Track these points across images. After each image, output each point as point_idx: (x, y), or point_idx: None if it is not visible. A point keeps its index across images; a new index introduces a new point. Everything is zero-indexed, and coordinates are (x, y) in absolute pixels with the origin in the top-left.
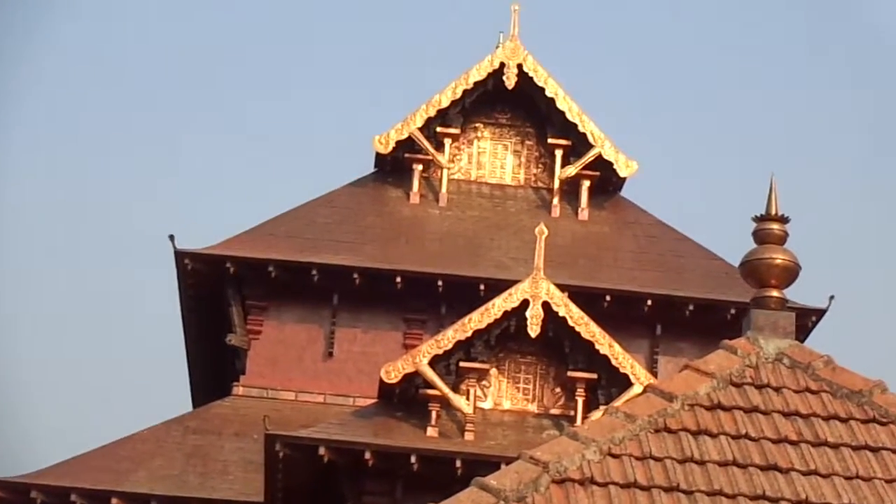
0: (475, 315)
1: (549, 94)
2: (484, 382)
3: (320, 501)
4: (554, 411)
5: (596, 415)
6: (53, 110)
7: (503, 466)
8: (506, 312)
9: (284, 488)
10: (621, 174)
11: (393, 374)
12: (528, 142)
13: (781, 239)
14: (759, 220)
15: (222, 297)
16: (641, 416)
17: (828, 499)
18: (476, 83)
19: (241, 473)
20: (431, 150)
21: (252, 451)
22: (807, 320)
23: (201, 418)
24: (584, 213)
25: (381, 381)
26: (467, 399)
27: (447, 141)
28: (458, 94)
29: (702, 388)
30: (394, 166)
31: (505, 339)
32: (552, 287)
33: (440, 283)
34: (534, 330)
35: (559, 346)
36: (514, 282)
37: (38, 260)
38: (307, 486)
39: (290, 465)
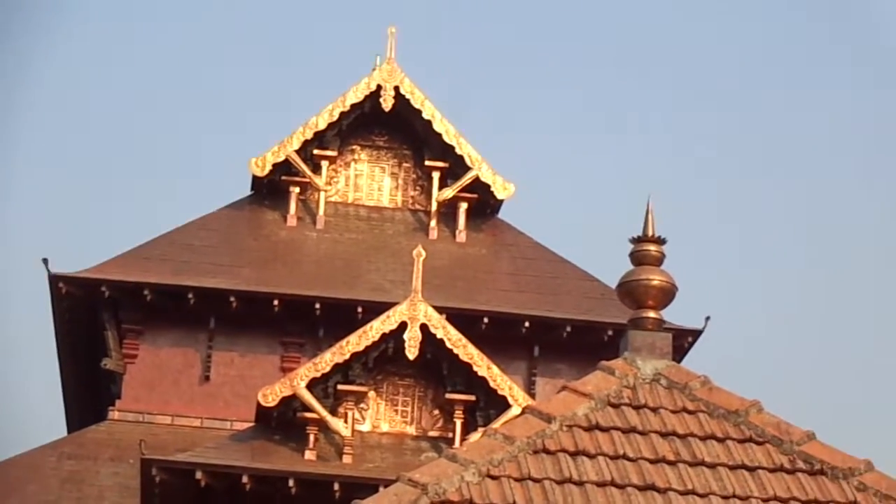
0: (353, 338)
1: (426, 116)
2: (362, 405)
3: None
4: (432, 433)
5: (474, 437)
6: None
7: (382, 489)
8: (384, 335)
9: None
10: (499, 196)
11: (270, 397)
12: (405, 164)
13: (658, 260)
14: (636, 241)
15: (97, 321)
16: (520, 437)
17: None
18: (353, 105)
19: (117, 499)
20: (308, 172)
21: (128, 476)
22: (683, 341)
23: (76, 443)
24: (461, 236)
25: (259, 405)
26: (345, 422)
27: (324, 163)
28: (335, 117)
29: (580, 409)
30: (270, 189)
31: (383, 361)
32: (430, 309)
33: (317, 305)
34: (412, 352)
35: (437, 369)
36: (392, 304)
37: None
38: None
39: (166, 490)
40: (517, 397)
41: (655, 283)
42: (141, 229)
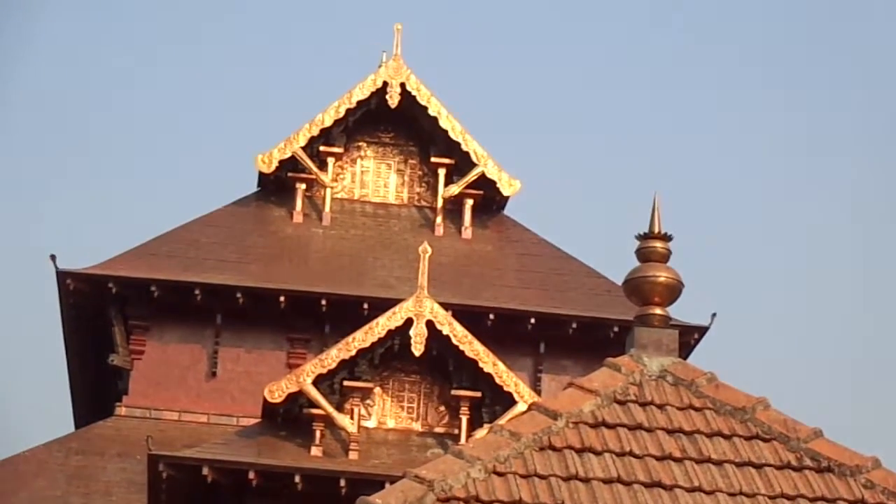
0: (359, 334)
1: (431, 112)
2: (368, 401)
3: None
4: (438, 430)
5: (480, 433)
6: None
7: (388, 485)
8: (390, 331)
9: None
10: (504, 193)
11: (277, 393)
12: (411, 161)
13: (664, 257)
14: (643, 238)
15: (105, 317)
16: (526, 434)
17: None
18: (359, 102)
19: (124, 494)
20: (315, 169)
21: (135, 472)
22: (689, 338)
23: (84, 439)
24: (467, 232)
25: (265, 401)
26: (351, 418)
27: (330, 160)
28: (342, 113)
29: (586, 405)
30: (277, 185)
31: (389, 357)
32: (436, 306)
33: (324, 302)
34: (417, 349)
35: (443, 365)
36: (398, 301)
37: None
38: None
39: (173, 486)
40: (523, 394)
41: (662, 279)
42: (148, 226)
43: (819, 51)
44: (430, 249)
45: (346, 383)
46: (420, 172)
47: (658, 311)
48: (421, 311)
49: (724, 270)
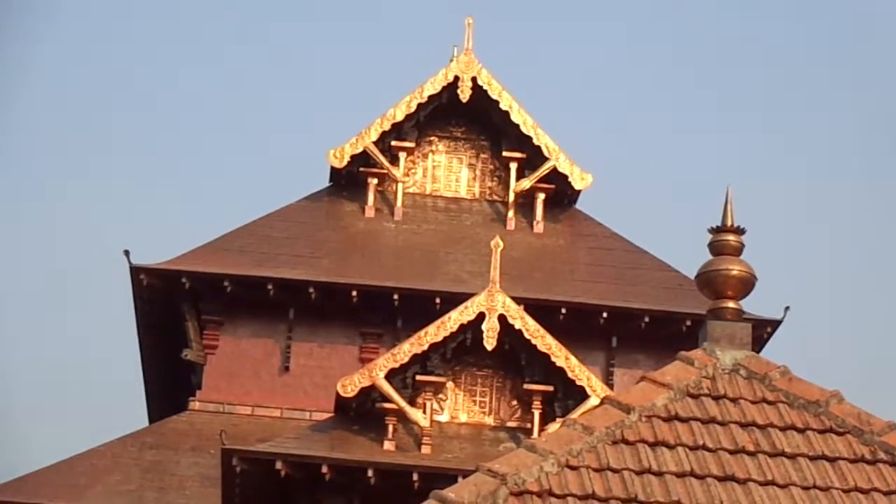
0: (431, 328)
1: (503, 107)
2: (440, 396)
3: None
4: (510, 424)
5: (553, 427)
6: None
7: (461, 479)
8: (462, 325)
9: (242, 503)
10: (576, 187)
11: (349, 387)
12: (482, 155)
13: (737, 250)
14: (715, 231)
15: (178, 312)
16: (599, 427)
17: None
18: (430, 97)
19: (198, 488)
20: (386, 163)
21: (209, 466)
22: (763, 331)
23: (158, 433)
24: (539, 226)
25: (338, 395)
26: (424, 412)
27: (402, 155)
28: (413, 108)
29: (659, 399)
30: (349, 180)
31: (461, 352)
32: (508, 300)
33: (396, 296)
34: (490, 343)
35: (515, 359)
36: (470, 295)
37: None
38: (264, 500)
39: (247, 480)
40: (595, 388)
41: (735, 272)
42: (221, 221)
43: None
44: (501, 244)
45: (418, 377)
46: (491, 167)
47: (731, 304)
48: (493, 306)
49: (798, 263)
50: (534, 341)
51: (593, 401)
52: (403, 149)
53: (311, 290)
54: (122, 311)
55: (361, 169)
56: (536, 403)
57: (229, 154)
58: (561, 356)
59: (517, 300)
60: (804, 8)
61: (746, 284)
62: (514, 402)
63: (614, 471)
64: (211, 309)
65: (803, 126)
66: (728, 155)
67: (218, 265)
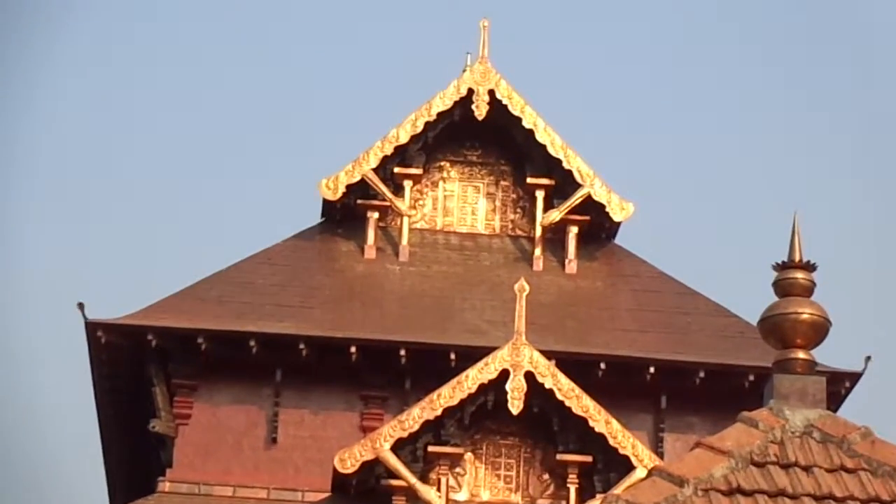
0: (445, 390)
1: (526, 124)
2: (458, 469)
3: None
4: (542, 502)
5: None
6: None
7: None
8: (482, 386)
9: None
10: (615, 218)
11: (349, 462)
12: (503, 182)
13: (808, 290)
14: (781, 268)
15: (143, 375)
16: None
17: None
18: (440, 114)
19: None
20: (389, 194)
21: None
22: (840, 385)
23: None
24: (571, 266)
25: (335, 471)
26: (438, 490)
27: (407, 183)
28: (419, 128)
29: (717, 469)
30: (344, 215)
31: (481, 417)
32: (536, 354)
33: (403, 352)
34: (515, 406)
35: (546, 424)
36: (491, 349)
37: None
38: None
39: None
40: (642, 457)
41: (805, 317)
42: (192, 266)
43: None
44: (527, 287)
45: (430, 448)
46: (514, 196)
47: (801, 354)
48: (518, 361)
49: (881, 304)
50: (568, 403)
51: (640, 472)
52: (409, 176)
53: (301, 346)
54: (76, 375)
55: (359, 201)
56: (572, 477)
57: (202, 185)
58: (600, 420)
59: (547, 354)
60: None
61: (819, 330)
62: (546, 476)
63: None
64: (182, 371)
65: (880, 140)
66: (793, 179)
67: (190, 319)
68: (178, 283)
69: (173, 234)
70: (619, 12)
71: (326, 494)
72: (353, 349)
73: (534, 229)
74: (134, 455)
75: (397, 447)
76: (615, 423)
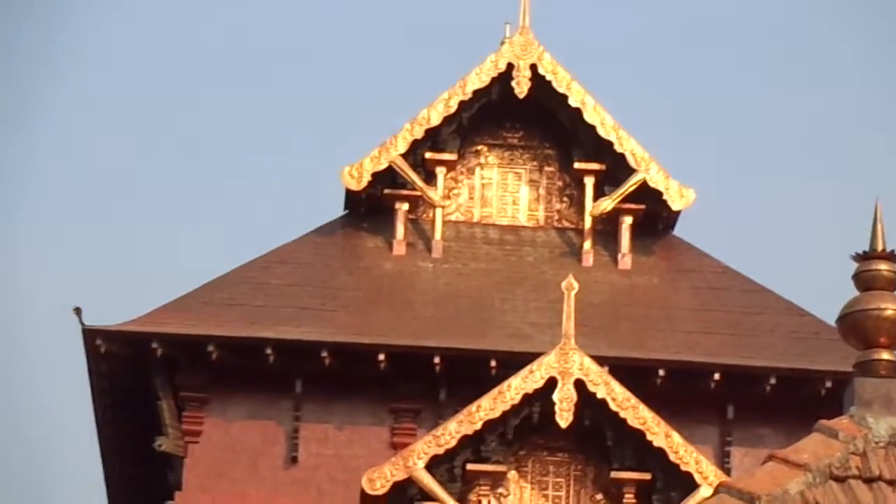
0: (485, 401)
1: (573, 103)
2: (500, 490)
3: None
4: None
5: None
6: None
7: None
8: (526, 396)
9: None
10: (674, 207)
11: (378, 482)
12: (547, 168)
13: (892, 283)
14: (862, 258)
15: (148, 388)
16: None
17: None
18: (476, 92)
19: None
20: (419, 182)
21: None
22: None
23: None
24: (625, 261)
25: (363, 493)
26: None
27: (440, 170)
28: (453, 108)
29: (792, 485)
30: (370, 206)
31: (526, 431)
32: (587, 360)
33: (437, 359)
34: (564, 418)
35: (599, 439)
36: (536, 355)
37: None
38: None
39: None
40: (707, 473)
41: (889, 313)
42: (201, 265)
43: None
44: (576, 285)
45: (469, 467)
46: (560, 183)
47: (885, 355)
48: (567, 368)
49: None
50: (623, 414)
51: (704, 491)
52: (442, 162)
53: (323, 353)
54: (72, 388)
55: (387, 191)
56: (629, 496)
57: (210, 178)
58: (660, 433)
59: (599, 360)
60: None
61: None
62: (599, 496)
63: None
64: (191, 383)
65: None
66: (875, 162)
67: (199, 325)
68: (185, 285)
69: (178, 232)
70: None
71: None
72: (381, 356)
73: (582, 220)
74: (138, 477)
75: (432, 465)
76: (676, 437)
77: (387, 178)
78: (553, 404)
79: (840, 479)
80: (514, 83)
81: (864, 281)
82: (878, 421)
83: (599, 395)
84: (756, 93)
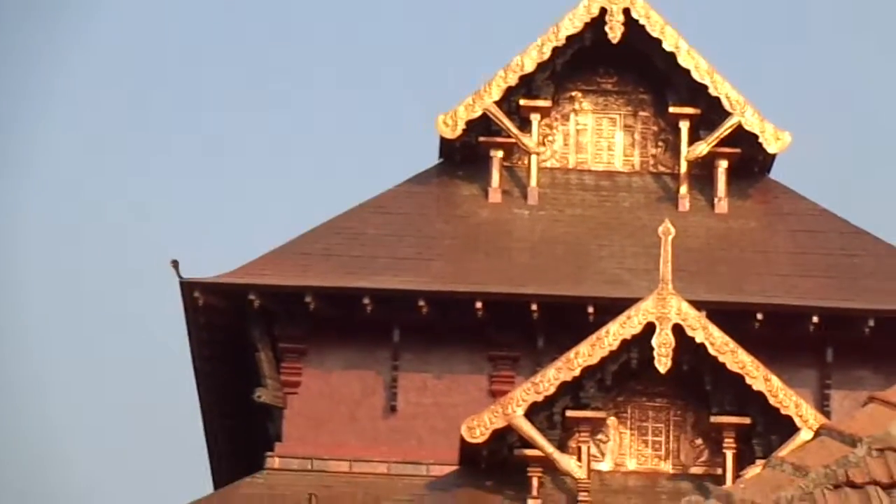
0: (583, 347)
1: (667, 47)
2: (600, 436)
3: None
4: (695, 470)
5: (753, 471)
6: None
7: None
8: (624, 341)
9: None
10: (769, 150)
11: (478, 430)
12: (642, 113)
13: None
14: None
15: (246, 340)
16: (815, 467)
17: None
18: (569, 38)
19: None
20: (514, 130)
21: None
22: None
23: (227, 502)
24: (722, 205)
25: (463, 441)
26: (578, 459)
27: (534, 117)
28: (547, 55)
29: (894, 425)
30: (465, 155)
31: (625, 377)
32: (685, 305)
33: (534, 306)
34: (663, 363)
35: (698, 384)
36: (634, 300)
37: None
38: None
39: None
40: (806, 417)
41: None
42: (298, 216)
43: None
44: (673, 230)
45: (569, 413)
46: (655, 128)
47: None
48: (665, 314)
49: None
50: (722, 359)
51: (804, 434)
52: (536, 109)
53: (420, 302)
54: (171, 340)
55: (482, 139)
56: (728, 441)
57: (304, 124)
58: (759, 377)
59: (697, 305)
60: None
61: None
62: (699, 441)
63: None
64: (290, 334)
65: None
66: None
67: (296, 276)
68: (282, 236)
69: (274, 183)
70: None
71: (454, 467)
72: (478, 304)
73: (678, 165)
74: (238, 428)
75: (531, 413)
76: (775, 380)
77: (481, 125)
78: (651, 350)
79: None
80: (607, 28)
81: None
82: None
83: (698, 340)
84: (854, 36)
